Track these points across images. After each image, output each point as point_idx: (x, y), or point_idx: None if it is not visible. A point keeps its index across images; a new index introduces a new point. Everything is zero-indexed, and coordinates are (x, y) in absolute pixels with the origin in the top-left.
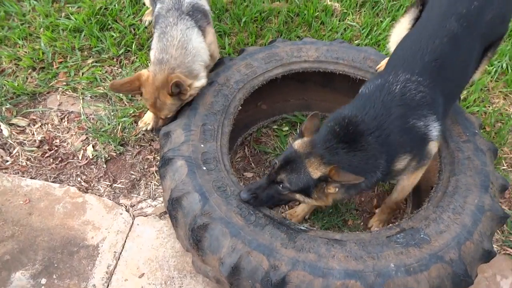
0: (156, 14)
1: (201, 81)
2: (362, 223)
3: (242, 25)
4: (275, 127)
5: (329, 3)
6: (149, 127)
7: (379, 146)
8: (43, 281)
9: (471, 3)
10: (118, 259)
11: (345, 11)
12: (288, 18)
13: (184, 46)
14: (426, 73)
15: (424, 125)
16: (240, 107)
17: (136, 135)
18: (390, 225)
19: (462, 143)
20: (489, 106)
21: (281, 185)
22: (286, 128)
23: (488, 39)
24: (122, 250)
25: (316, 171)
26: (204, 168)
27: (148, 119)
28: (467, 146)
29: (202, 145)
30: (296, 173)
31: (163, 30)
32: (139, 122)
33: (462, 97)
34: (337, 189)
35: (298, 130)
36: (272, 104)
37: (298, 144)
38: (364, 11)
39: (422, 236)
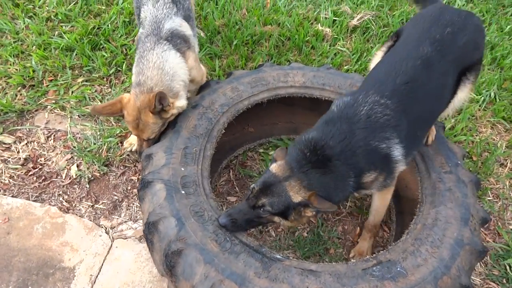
0: (137, 39)
1: (182, 101)
2: (344, 252)
3: (233, 47)
4: (261, 150)
5: (320, 28)
6: (133, 148)
7: (346, 167)
8: None
9: (445, 29)
10: (94, 282)
11: (336, 36)
12: (279, 42)
13: (160, 67)
14: (395, 96)
15: (387, 147)
16: (225, 130)
17: (121, 156)
18: (367, 257)
19: (444, 174)
20: (476, 135)
21: (262, 209)
22: (272, 152)
23: (462, 63)
24: (98, 274)
25: (296, 196)
26: (183, 192)
27: (133, 139)
28: (449, 177)
29: (182, 169)
30: (277, 196)
31: (141, 55)
32: (124, 142)
33: (449, 125)
34: (313, 212)
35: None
36: (259, 127)
37: (275, 167)
38: (355, 37)
39: (398, 269)
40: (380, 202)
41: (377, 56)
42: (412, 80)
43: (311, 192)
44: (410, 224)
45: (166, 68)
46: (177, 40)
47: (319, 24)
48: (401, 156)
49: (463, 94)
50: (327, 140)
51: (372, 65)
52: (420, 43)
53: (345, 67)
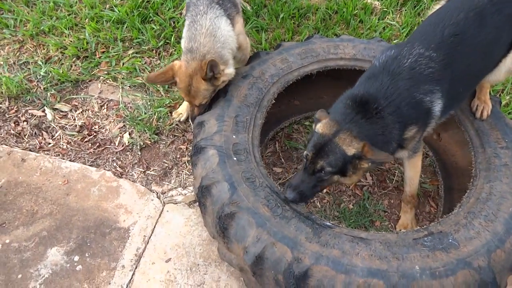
0: (187, 2)
1: (231, 69)
2: (390, 225)
3: (279, 21)
4: (307, 123)
5: (369, 1)
6: (182, 118)
7: (392, 117)
8: (76, 258)
9: None
10: (147, 243)
11: (385, 9)
12: (326, 15)
13: (213, 34)
14: (442, 48)
15: (430, 100)
16: (273, 101)
17: (170, 125)
18: (418, 227)
19: (500, 149)
20: None
21: (322, 172)
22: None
23: None
24: (151, 235)
25: (349, 148)
26: (235, 158)
27: (182, 110)
28: (505, 152)
29: (234, 136)
30: (332, 154)
31: (193, 19)
32: (173, 113)
33: (504, 102)
34: (369, 164)
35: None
36: (305, 100)
37: (320, 127)
38: (405, 10)
39: (450, 241)
40: (412, 170)
41: (434, 10)
42: (462, 32)
43: (363, 143)
44: (463, 197)
45: (218, 35)
46: (227, 4)
47: None
48: (439, 112)
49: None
50: (371, 92)
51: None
52: None
53: (394, 41)
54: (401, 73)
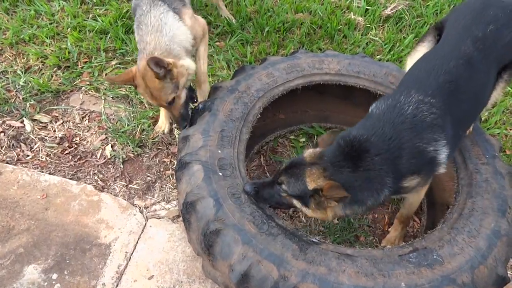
0: (133, 7)
1: (187, 61)
2: (375, 240)
3: (265, 34)
4: (292, 137)
5: (352, 17)
6: (166, 130)
7: (386, 167)
8: (54, 276)
9: (487, 27)
10: (129, 259)
11: (368, 25)
12: (311, 30)
13: (159, 30)
14: (440, 95)
15: (434, 149)
16: (259, 116)
17: (153, 139)
18: (403, 244)
19: (481, 165)
20: (510, 129)
21: (280, 187)
22: (303, 139)
23: (503, 61)
24: (133, 251)
25: (312, 183)
26: (220, 173)
27: (161, 122)
28: (485, 168)
29: (219, 151)
30: (294, 178)
31: (140, 20)
32: (155, 127)
33: (483, 118)
34: (336, 203)
35: (315, 142)
36: (290, 114)
37: (308, 152)
38: (388, 27)
39: (435, 257)
40: (414, 198)
41: (418, 52)
42: (456, 79)
43: (327, 182)
44: (446, 213)
45: (165, 31)
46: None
47: (352, 12)
48: (445, 159)
49: (496, 93)
50: (370, 136)
51: (410, 60)
52: (462, 42)
53: (377, 57)
54: (404, 122)
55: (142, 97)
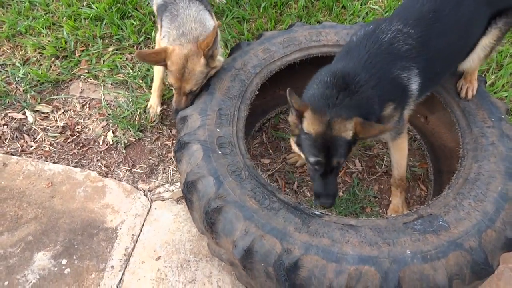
0: (161, 4)
1: (221, 58)
2: (381, 210)
3: (261, 10)
4: None
5: None
6: (158, 110)
7: (373, 92)
8: (64, 261)
9: None
10: (136, 242)
11: None
12: (309, 3)
13: (202, 22)
14: (419, 26)
15: (407, 77)
16: (258, 93)
17: (151, 123)
18: (408, 211)
19: (486, 129)
20: None
21: (338, 166)
22: None
23: (496, 4)
24: (140, 233)
25: (347, 132)
26: (219, 152)
27: (153, 103)
28: (492, 131)
29: (218, 130)
30: (340, 147)
31: (175, 14)
32: (146, 110)
33: (489, 81)
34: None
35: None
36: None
37: (309, 125)
38: None
39: (440, 223)
40: (398, 153)
41: None
42: (439, 9)
43: (354, 121)
44: (451, 179)
45: (207, 25)
46: (205, 1)
47: None
48: (416, 90)
49: (487, 40)
50: (351, 67)
51: None
52: None
53: None
54: (380, 48)
55: (141, 82)
